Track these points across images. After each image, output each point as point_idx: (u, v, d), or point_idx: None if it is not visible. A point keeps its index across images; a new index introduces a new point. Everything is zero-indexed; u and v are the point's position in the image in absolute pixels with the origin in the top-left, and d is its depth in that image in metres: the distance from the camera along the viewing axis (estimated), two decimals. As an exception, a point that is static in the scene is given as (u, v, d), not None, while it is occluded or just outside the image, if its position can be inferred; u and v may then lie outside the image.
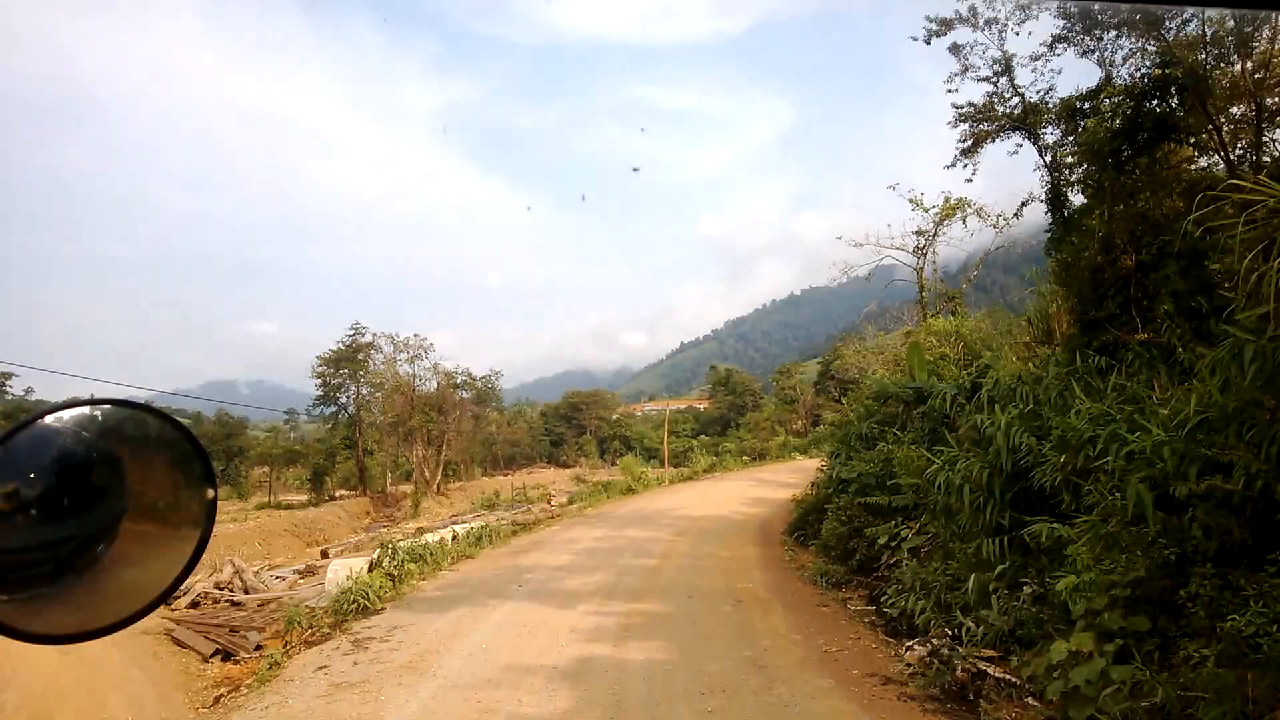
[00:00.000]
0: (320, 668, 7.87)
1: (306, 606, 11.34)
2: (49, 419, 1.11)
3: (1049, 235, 13.78)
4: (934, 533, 8.89)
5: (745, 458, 45.57)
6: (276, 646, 9.97)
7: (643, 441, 74.42)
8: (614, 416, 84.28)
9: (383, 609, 10.77)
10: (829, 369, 50.00)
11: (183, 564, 1.16)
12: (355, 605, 10.67)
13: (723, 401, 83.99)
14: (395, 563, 13.26)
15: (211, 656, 11.19)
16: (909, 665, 6.78)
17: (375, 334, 46.13)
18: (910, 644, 6.93)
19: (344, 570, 13.24)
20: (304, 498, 52.13)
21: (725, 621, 8.84)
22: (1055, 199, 12.78)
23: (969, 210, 23.52)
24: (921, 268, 24.48)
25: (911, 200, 24.32)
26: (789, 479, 26.65)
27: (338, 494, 53.01)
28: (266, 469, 57.97)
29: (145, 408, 1.23)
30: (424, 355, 44.54)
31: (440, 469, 44.75)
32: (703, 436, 79.29)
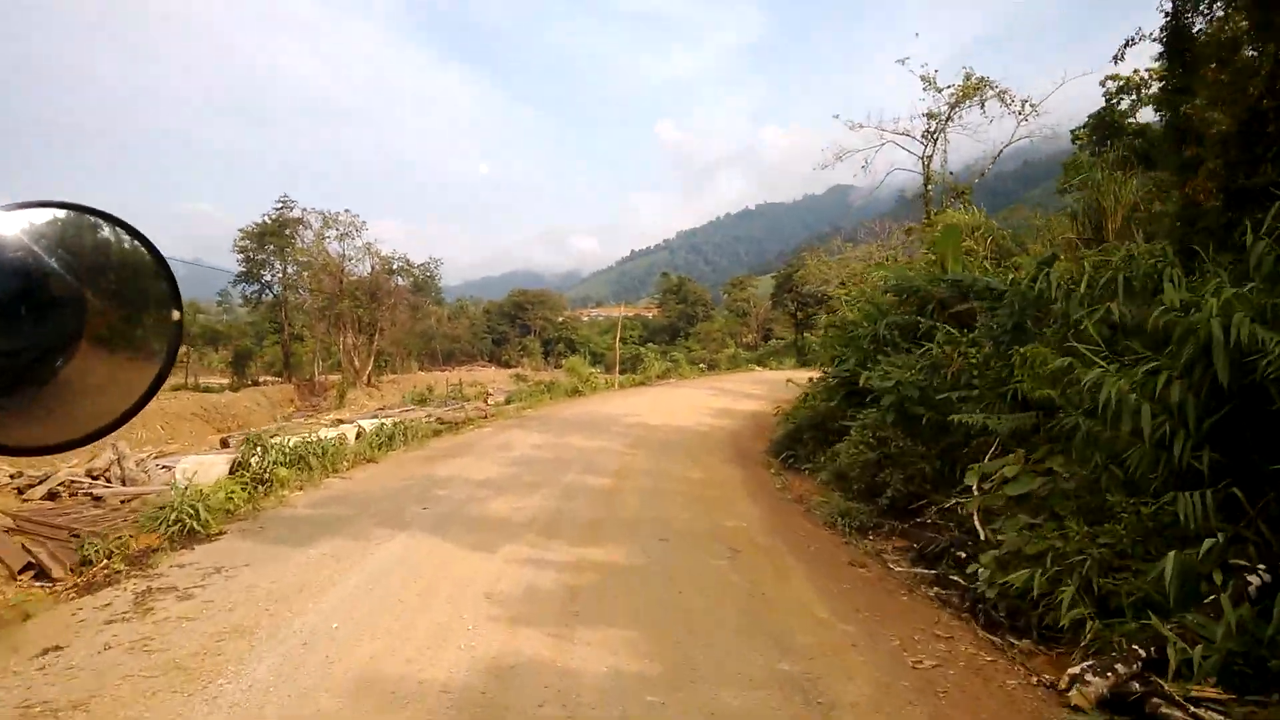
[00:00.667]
0: (42, 652, 4.56)
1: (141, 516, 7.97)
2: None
3: (1162, 88, 10.69)
4: (1052, 472, 5.91)
5: (701, 365, 42.89)
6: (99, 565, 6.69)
7: (589, 345, 71.33)
8: (560, 319, 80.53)
9: (220, 533, 7.48)
10: (790, 280, 47.06)
11: (145, 387, 1.06)
12: (178, 526, 7.36)
13: (673, 310, 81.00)
14: (264, 464, 9.92)
15: (22, 572, 7.88)
16: (1077, 711, 3.83)
17: (305, 209, 41.37)
18: (1079, 668, 3.96)
19: (196, 470, 9.90)
20: (226, 381, 48.64)
21: (724, 588, 5.79)
22: (1177, 36, 9.61)
23: (990, 92, 20.20)
24: (929, 156, 21.19)
25: (924, 78, 20.82)
26: (751, 389, 23.92)
27: (262, 380, 49.51)
28: (186, 348, 53.61)
29: (108, 216, 1.06)
30: (355, 233, 39.94)
31: (371, 359, 41.06)
32: (651, 345, 76.81)
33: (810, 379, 15.47)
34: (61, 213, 1.04)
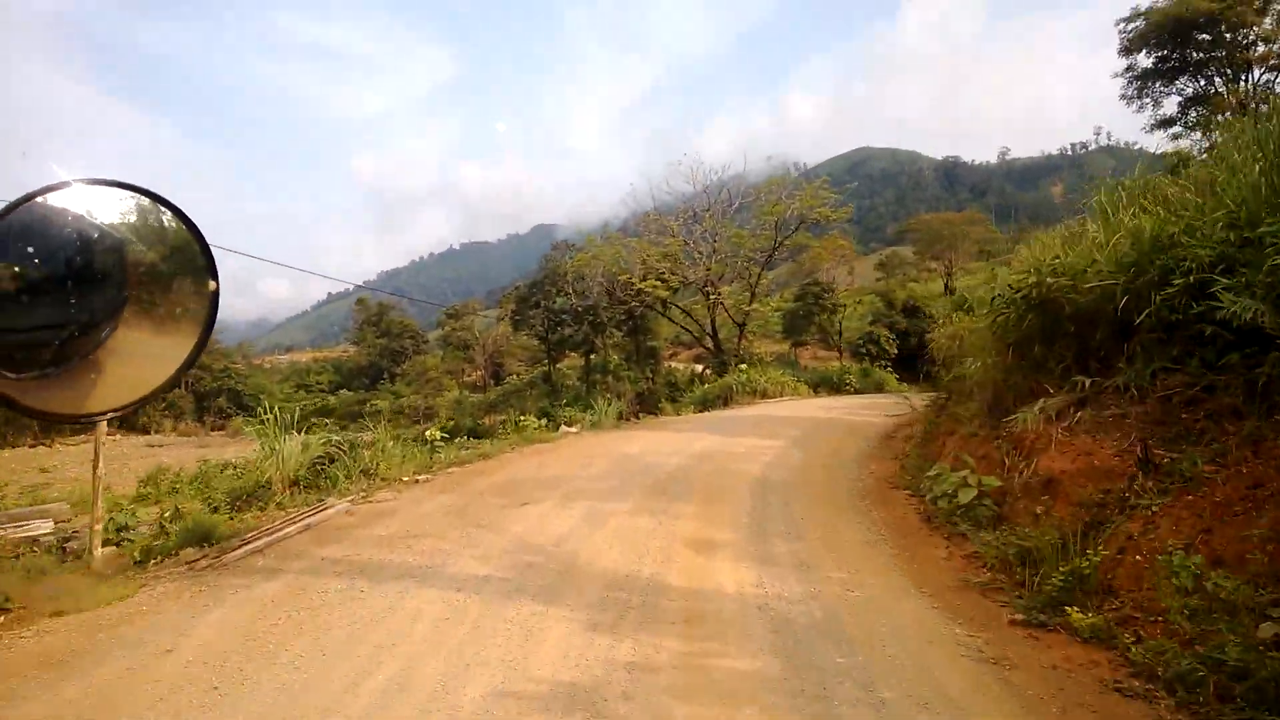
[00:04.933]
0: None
1: None
2: (46, 198, 1.14)
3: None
4: None
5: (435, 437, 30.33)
6: None
7: (267, 397, 54.08)
8: (221, 367, 61.43)
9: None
10: (539, 290, 36.29)
11: (186, 355, 1.27)
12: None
13: (373, 345, 66.34)
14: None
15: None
16: None
17: None
18: None
19: None
20: None
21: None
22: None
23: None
24: None
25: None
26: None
27: None
28: None
29: (147, 192, 1.23)
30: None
31: None
32: (344, 392, 61.52)
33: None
34: (104, 189, 1.18)
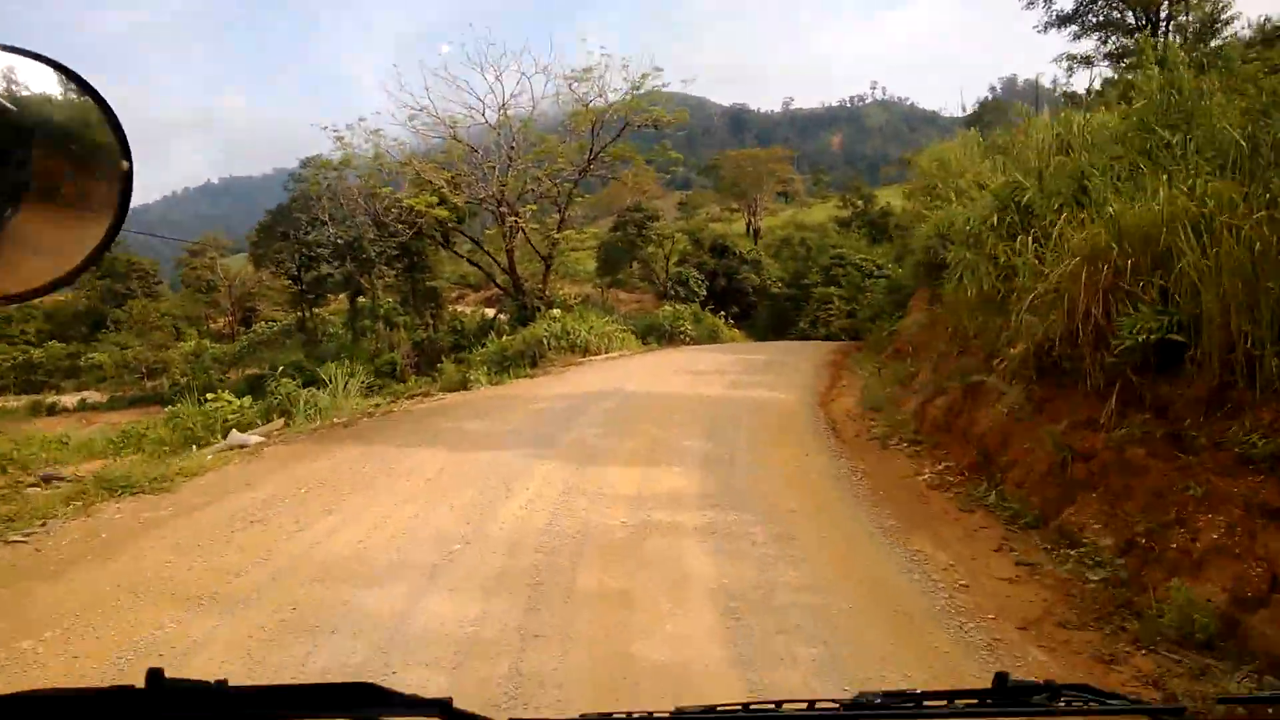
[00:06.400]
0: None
1: None
2: None
3: None
4: None
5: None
6: None
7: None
8: None
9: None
10: (288, 215, 28.46)
11: (98, 240, 0.98)
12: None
13: (93, 288, 53.61)
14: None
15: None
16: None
17: None
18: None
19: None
20: None
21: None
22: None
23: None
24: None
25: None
26: None
27: None
28: None
29: (51, 61, 0.97)
30: None
31: None
32: (54, 344, 50.13)
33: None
34: (3, 55, 0.94)
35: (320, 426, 9.33)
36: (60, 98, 0.98)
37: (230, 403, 9.70)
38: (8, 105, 0.92)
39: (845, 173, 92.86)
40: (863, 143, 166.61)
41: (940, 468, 6.88)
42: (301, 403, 9.45)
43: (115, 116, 1.00)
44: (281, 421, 9.16)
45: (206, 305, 51.70)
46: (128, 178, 1.00)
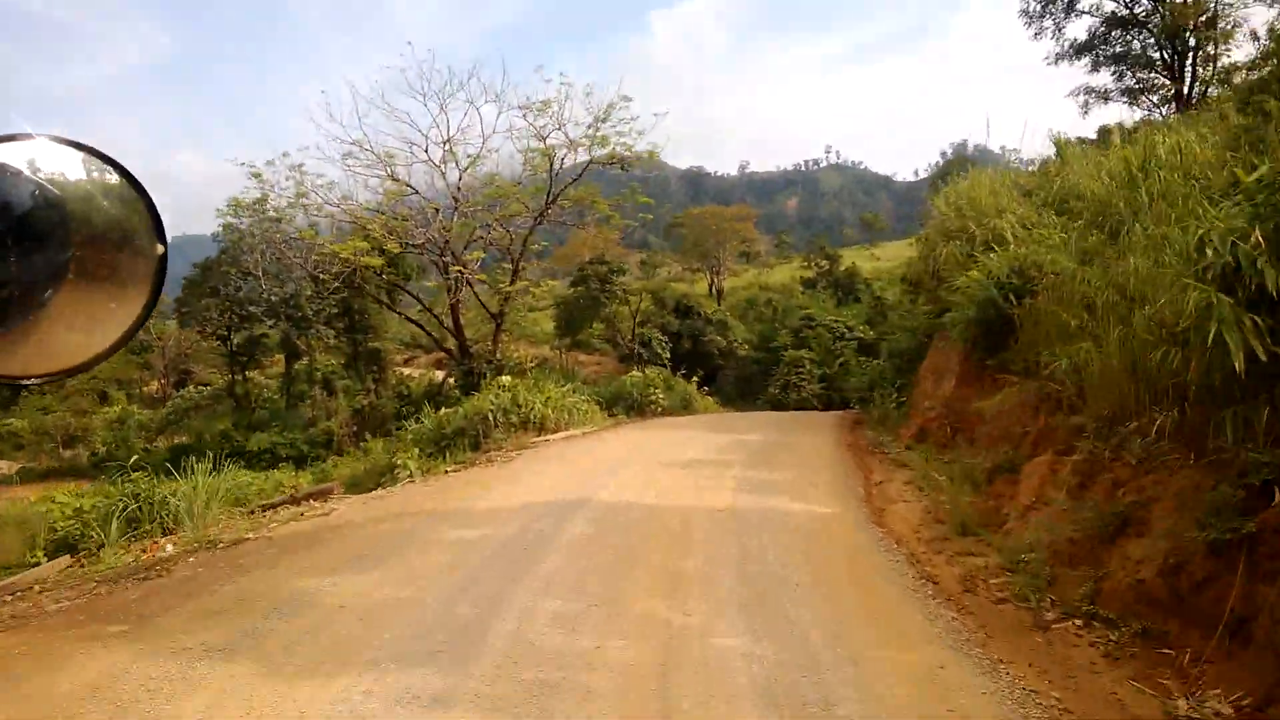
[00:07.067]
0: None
1: None
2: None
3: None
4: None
5: None
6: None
7: None
8: None
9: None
10: (210, 273, 26.15)
11: (132, 319, 1.10)
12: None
13: (12, 353, 49.78)
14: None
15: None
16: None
17: None
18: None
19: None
20: None
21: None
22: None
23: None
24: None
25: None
26: None
27: None
28: None
29: (93, 150, 1.09)
30: None
31: None
32: None
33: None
34: (47, 146, 1.02)
35: (105, 578, 6.03)
36: (104, 186, 1.07)
37: (64, 504, 7.29)
38: (54, 192, 1.01)
39: (803, 235, 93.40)
40: (818, 206, 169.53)
41: (1216, 693, 3.61)
42: (152, 515, 6.89)
43: (153, 203, 1.11)
44: (68, 560, 6.57)
45: (140, 367, 48.46)
46: (163, 259, 1.10)
